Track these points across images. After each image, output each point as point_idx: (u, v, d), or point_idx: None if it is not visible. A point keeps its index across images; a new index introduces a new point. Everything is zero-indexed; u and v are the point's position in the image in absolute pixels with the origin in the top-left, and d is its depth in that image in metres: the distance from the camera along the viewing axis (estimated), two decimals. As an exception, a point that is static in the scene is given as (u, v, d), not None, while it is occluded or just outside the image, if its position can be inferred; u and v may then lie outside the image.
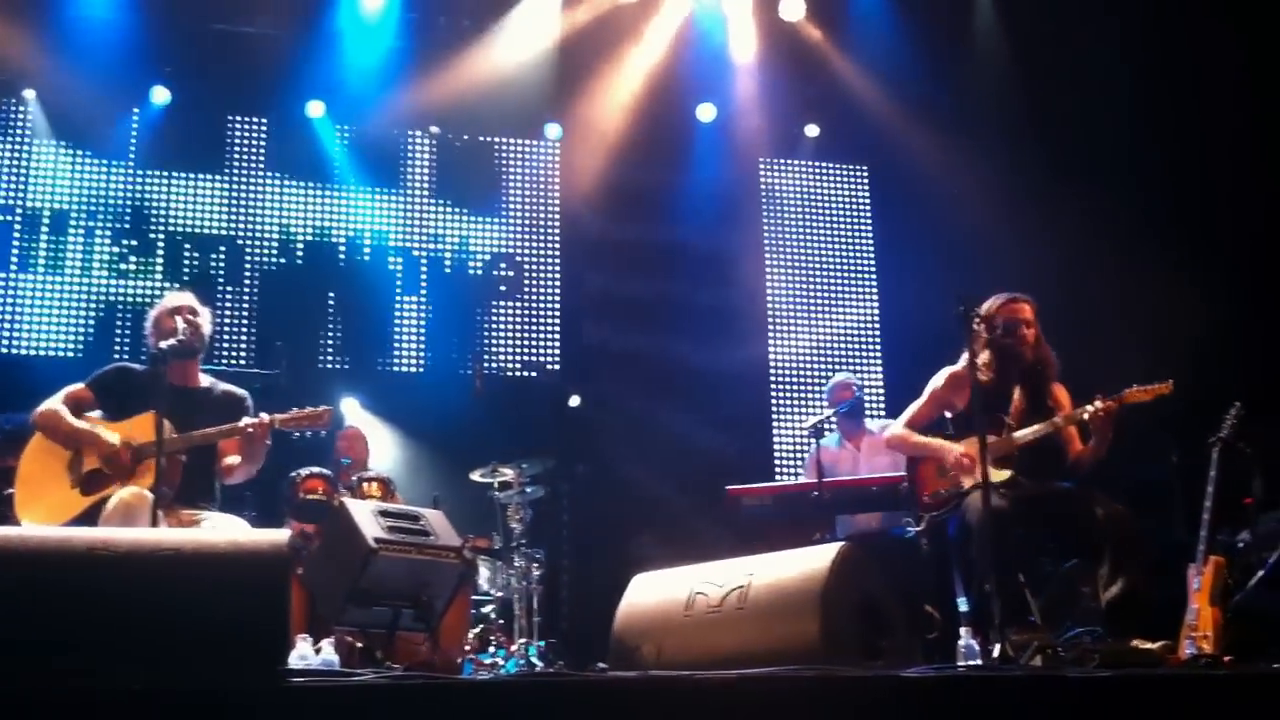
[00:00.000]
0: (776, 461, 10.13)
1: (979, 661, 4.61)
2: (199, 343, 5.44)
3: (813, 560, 4.23)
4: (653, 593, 4.50)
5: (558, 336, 10.04)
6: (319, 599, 4.62)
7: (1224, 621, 5.49)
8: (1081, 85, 9.15)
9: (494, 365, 9.65)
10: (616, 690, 3.49)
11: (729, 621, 4.22)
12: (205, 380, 5.58)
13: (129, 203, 9.27)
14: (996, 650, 4.55)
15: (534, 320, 10.03)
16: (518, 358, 9.85)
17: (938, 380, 5.95)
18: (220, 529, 4.83)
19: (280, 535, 3.49)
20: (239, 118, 9.62)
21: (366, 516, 4.47)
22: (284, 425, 5.25)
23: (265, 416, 5.22)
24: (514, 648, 6.73)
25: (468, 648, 6.59)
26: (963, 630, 4.75)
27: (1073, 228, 8.97)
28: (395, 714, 3.22)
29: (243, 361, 8.53)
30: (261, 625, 3.30)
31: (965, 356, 5.69)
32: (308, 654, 4.22)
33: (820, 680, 3.63)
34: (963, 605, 5.59)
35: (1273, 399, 7.72)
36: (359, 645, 5.43)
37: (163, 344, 5.17)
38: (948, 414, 5.91)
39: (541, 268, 10.14)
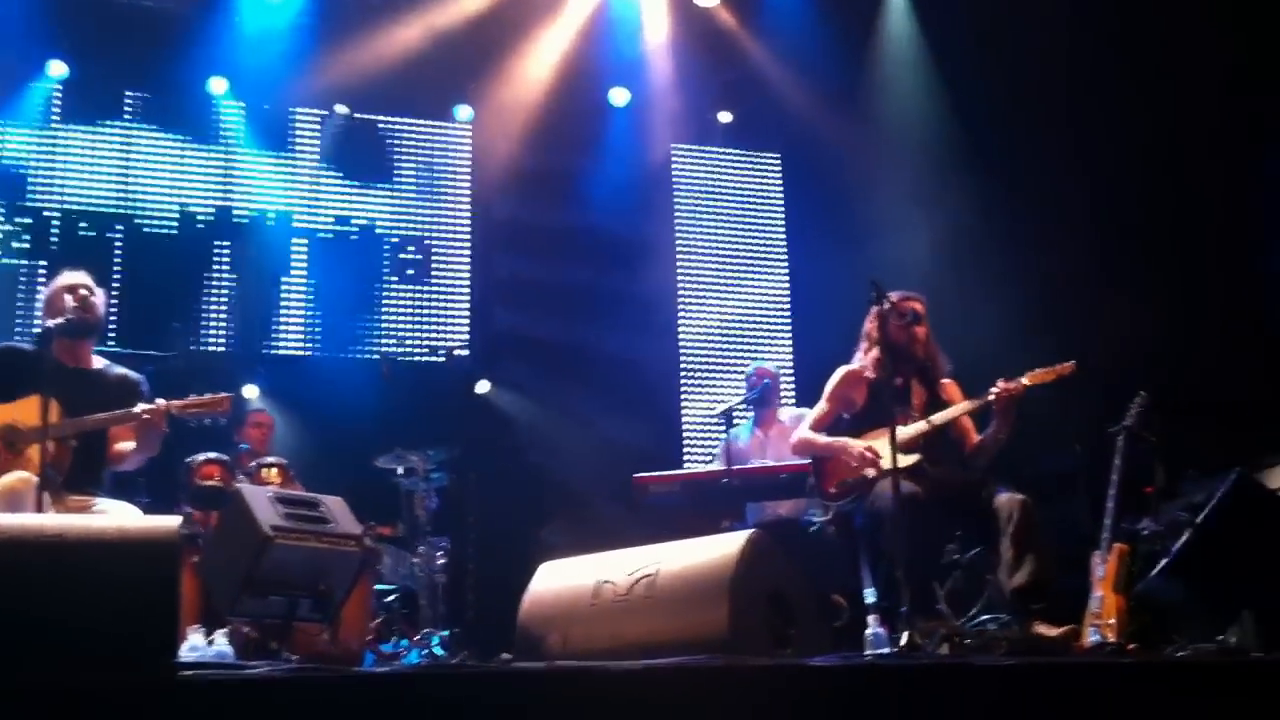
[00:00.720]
0: (686, 448, 10.09)
1: (886, 650, 4.60)
2: (90, 323, 5.24)
3: (722, 548, 4.19)
4: (559, 581, 4.43)
5: (468, 321, 9.90)
6: (212, 588, 4.47)
7: (1127, 609, 5.55)
8: (992, 72, 9.19)
9: (402, 350, 9.48)
10: (519, 681, 3.40)
11: (636, 610, 4.16)
12: (99, 362, 5.39)
13: (22, 177, 8.96)
14: (904, 639, 4.55)
15: (443, 305, 9.87)
16: (426, 343, 9.67)
17: (834, 380, 6.01)
18: (110, 516, 4.66)
19: (171, 522, 3.36)
20: (138, 93, 9.31)
21: (263, 503, 4.33)
22: (181, 412, 5.07)
23: (161, 403, 5.05)
24: (417, 637, 6.61)
25: (369, 638, 6.46)
26: (870, 619, 4.73)
27: (983, 215, 9.03)
28: (291, 707, 3.11)
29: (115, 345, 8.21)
30: (151, 616, 3.17)
31: (859, 353, 5.91)
32: (200, 645, 4.08)
33: (727, 670, 3.58)
34: (870, 596, 5.58)
35: (1173, 391, 7.85)
36: (254, 636, 5.29)
37: (50, 322, 4.99)
38: (846, 415, 5.95)
39: (451, 251, 9.98)
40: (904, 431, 5.54)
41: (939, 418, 5.68)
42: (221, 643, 4.17)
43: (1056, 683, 3.76)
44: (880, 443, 5.45)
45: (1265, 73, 8.21)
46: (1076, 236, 8.91)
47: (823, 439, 5.89)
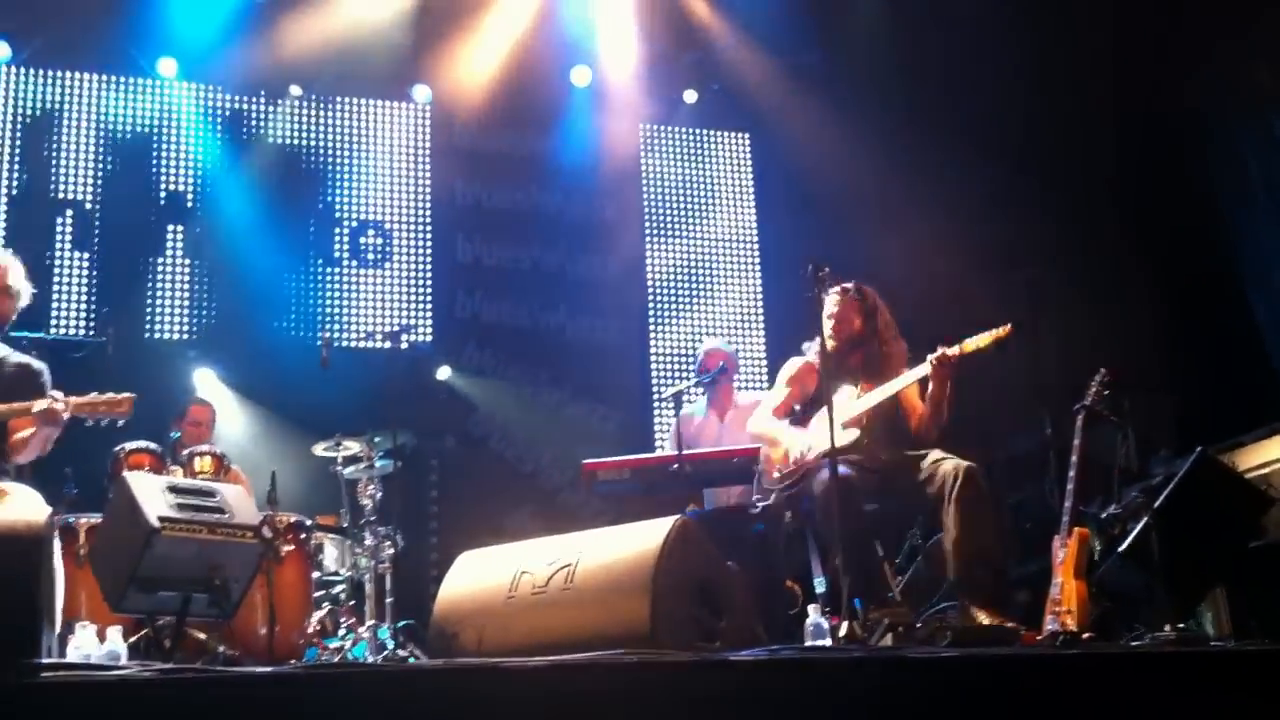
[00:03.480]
0: (658, 435, 9.85)
1: (827, 641, 4.39)
2: None
3: (645, 538, 3.97)
4: (477, 573, 4.22)
5: (430, 307, 9.66)
6: (101, 583, 4.25)
7: (1088, 595, 5.33)
8: (962, 50, 8.97)
9: (362, 336, 9.23)
10: (414, 681, 3.20)
11: (554, 603, 3.95)
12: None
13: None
14: (844, 629, 4.34)
15: (405, 290, 9.63)
16: (387, 328, 9.40)
17: (789, 370, 5.96)
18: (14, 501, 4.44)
19: (37, 515, 3.16)
20: (84, 74, 9.01)
21: (151, 493, 4.10)
22: (79, 411, 4.84)
23: (59, 399, 4.79)
24: (362, 630, 6.40)
25: (311, 631, 6.24)
26: (810, 608, 4.53)
27: (953, 195, 8.82)
28: (159, 710, 2.92)
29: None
30: (7, 614, 2.98)
31: (813, 345, 5.73)
32: (87, 643, 3.85)
33: (641, 666, 3.37)
34: (820, 586, 5.38)
35: (1149, 370, 7.66)
36: (198, 635, 5.08)
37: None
38: (797, 404, 5.88)
39: (412, 236, 9.74)
40: (847, 409, 5.38)
41: (878, 392, 5.48)
42: (115, 640, 3.94)
43: (993, 676, 3.57)
44: (823, 428, 5.24)
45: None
46: (1049, 215, 8.73)
47: (766, 426, 5.86)
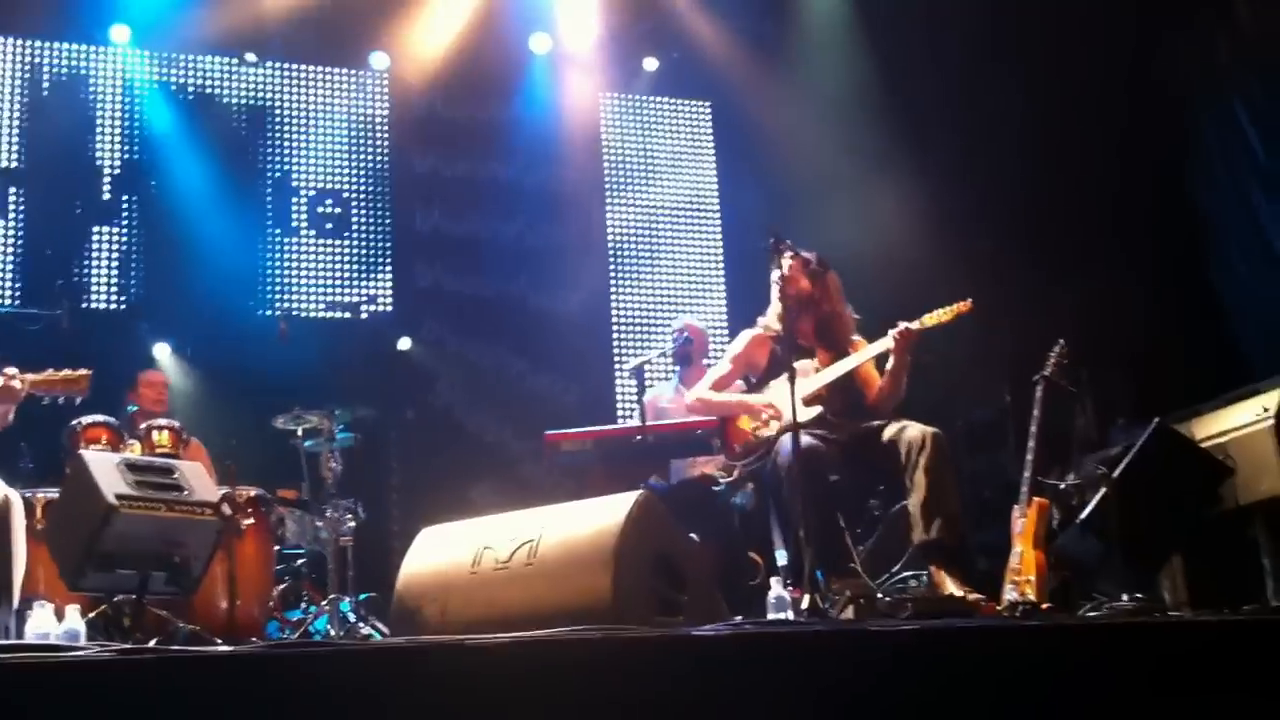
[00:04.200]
0: (620, 406, 9.84)
1: (789, 614, 4.40)
2: None
3: (607, 513, 3.95)
4: (439, 548, 4.19)
5: (390, 277, 9.60)
6: (58, 561, 4.21)
7: (1046, 565, 5.39)
8: (921, 20, 8.97)
9: (321, 306, 9.17)
10: (374, 659, 3.18)
11: (517, 579, 3.93)
12: None
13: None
14: (805, 602, 4.35)
15: (364, 260, 9.56)
16: (347, 299, 9.34)
17: (739, 343, 5.92)
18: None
19: (-8, 495, 3.10)
20: (30, 41, 8.85)
21: (108, 470, 4.05)
22: (35, 388, 4.76)
23: (14, 375, 4.71)
24: (324, 603, 6.38)
25: (272, 604, 6.21)
26: (773, 580, 4.54)
27: (913, 165, 8.83)
28: (118, 692, 2.89)
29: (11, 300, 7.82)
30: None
31: (763, 318, 5.79)
32: (45, 622, 3.80)
33: (603, 641, 3.36)
34: (781, 558, 5.38)
35: (1107, 340, 7.70)
36: (158, 611, 5.03)
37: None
38: (753, 378, 5.85)
39: (370, 205, 9.66)
40: (805, 385, 5.38)
41: (838, 366, 5.50)
42: (74, 619, 3.89)
43: (953, 647, 3.59)
44: (782, 397, 5.26)
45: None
46: (1010, 186, 8.74)
47: (720, 397, 5.80)
